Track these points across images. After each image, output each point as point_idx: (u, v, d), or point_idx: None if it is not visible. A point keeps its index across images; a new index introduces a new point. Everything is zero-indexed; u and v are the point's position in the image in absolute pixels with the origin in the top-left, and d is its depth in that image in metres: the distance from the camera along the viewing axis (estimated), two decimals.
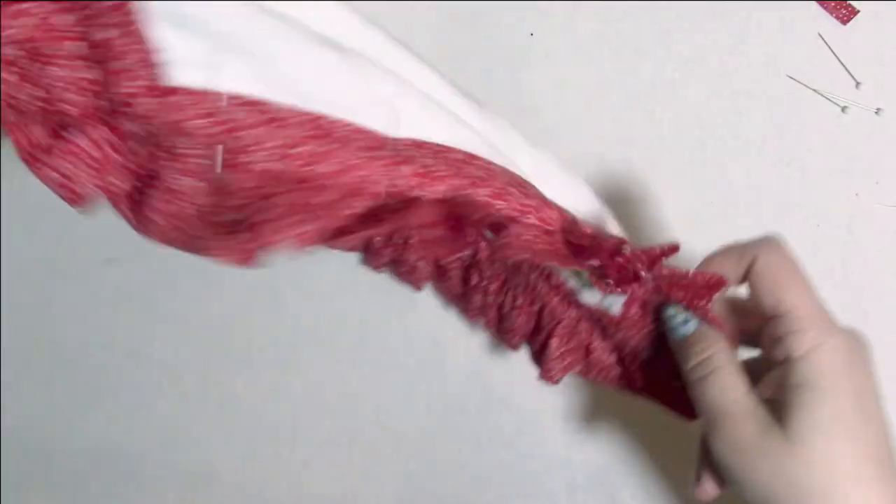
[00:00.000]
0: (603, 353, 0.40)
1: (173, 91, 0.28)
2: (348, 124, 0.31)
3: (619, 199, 0.50)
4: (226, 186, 0.29)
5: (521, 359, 0.49)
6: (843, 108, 0.50)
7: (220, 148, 0.29)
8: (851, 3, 0.50)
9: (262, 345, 0.50)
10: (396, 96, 0.32)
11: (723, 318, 0.38)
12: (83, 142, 0.29)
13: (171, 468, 0.50)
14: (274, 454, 0.49)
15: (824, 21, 0.50)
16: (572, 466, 0.49)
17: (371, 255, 0.38)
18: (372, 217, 0.31)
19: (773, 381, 0.35)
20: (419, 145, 0.33)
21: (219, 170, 0.29)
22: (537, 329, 0.40)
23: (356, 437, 0.49)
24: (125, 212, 0.30)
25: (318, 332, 0.50)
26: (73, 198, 0.29)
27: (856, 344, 0.35)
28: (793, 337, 0.35)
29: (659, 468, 0.49)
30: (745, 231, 0.49)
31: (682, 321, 0.37)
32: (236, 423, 0.50)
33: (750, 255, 0.37)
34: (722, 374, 0.36)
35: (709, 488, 0.38)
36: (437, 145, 0.33)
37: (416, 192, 0.32)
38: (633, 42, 0.50)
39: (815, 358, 0.34)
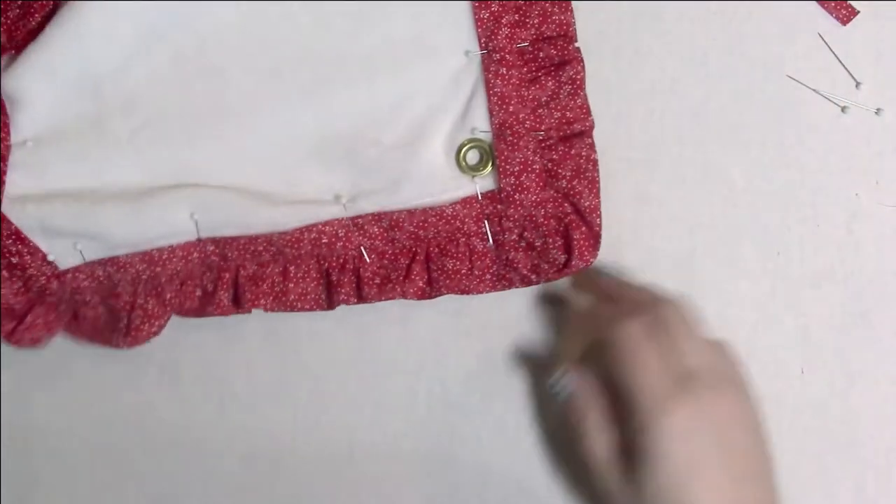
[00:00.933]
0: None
1: (68, 271, 0.48)
2: (166, 247, 0.48)
3: (619, 199, 0.49)
4: (112, 308, 0.48)
5: (521, 360, 0.49)
6: (843, 108, 0.50)
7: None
8: (851, 3, 0.50)
9: (261, 345, 0.50)
10: (193, 213, 0.47)
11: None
12: (34, 320, 0.48)
13: (171, 467, 0.50)
14: (274, 455, 0.49)
15: (824, 21, 0.50)
16: (572, 466, 0.49)
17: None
18: (210, 297, 0.48)
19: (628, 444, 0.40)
20: (219, 241, 0.48)
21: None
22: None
23: (355, 437, 0.49)
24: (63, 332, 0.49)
25: (318, 333, 0.50)
26: (38, 345, 0.48)
27: (703, 413, 0.38)
28: (631, 411, 0.39)
29: None
30: (745, 231, 0.49)
31: (558, 390, 0.43)
32: (236, 423, 0.50)
33: (600, 329, 0.41)
34: (588, 438, 0.41)
35: None
36: (235, 238, 0.48)
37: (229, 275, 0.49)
38: (633, 42, 0.50)
39: (647, 434, 0.38)
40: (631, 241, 0.49)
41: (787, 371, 0.49)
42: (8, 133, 0.47)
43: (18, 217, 0.47)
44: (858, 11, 0.49)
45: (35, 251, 0.47)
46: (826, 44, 0.50)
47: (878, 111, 0.49)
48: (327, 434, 0.49)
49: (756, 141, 0.50)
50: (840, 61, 0.50)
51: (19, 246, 0.47)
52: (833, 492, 0.48)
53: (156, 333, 0.48)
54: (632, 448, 0.39)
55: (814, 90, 0.50)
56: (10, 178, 0.47)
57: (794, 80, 0.50)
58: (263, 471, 0.49)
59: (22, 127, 0.47)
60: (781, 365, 0.49)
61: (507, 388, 0.49)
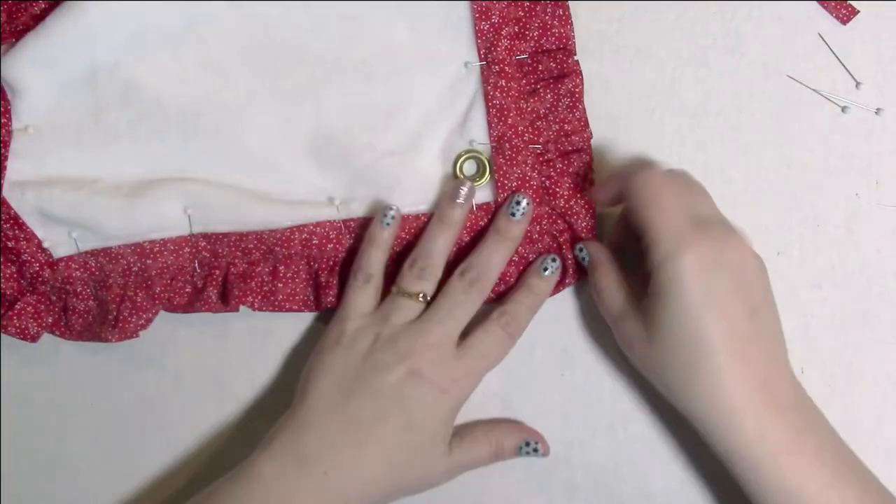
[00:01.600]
0: None
1: (62, 259, 0.48)
2: (158, 240, 0.48)
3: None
4: (102, 301, 0.48)
5: (520, 359, 0.49)
6: (843, 108, 0.50)
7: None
8: (851, 3, 0.50)
9: (261, 345, 0.50)
10: (186, 208, 0.47)
11: (617, 236, 0.47)
12: (24, 307, 0.48)
13: (171, 467, 0.50)
14: None
15: (824, 21, 0.50)
16: (572, 466, 0.49)
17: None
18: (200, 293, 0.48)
19: (647, 284, 0.42)
20: (211, 237, 0.48)
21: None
22: None
23: None
24: (54, 331, 0.48)
25: (319, 333, 0.50)
26: (28, 338, 0.48)
27: (719, 252, 0.40)
28: (650, 249, 0.41)
29: (659, 467, 0.49)
30: (745, 231, 0.49)
31: (583, 258, 0.46)
32: (236, 423, 0.50)
33: (624, 180, 0.44)
34: (601, 287, 0.45)
35: None
36: (226, 234, 0.48)
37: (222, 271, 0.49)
38: (633, 42, 0.50)
39: (665, 268, 0.40)
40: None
41: None
42: (9, 119, 0.47)
43: (17, 203, 0.47)
44: (858, 11, 0.49)
45: (31, 237, 0.47)
46: (826, 44, 0.50)
47: (878, 111, 0.49)
48: None
49: (756, 141, 0.50)
50: (840, 61, 0.50)
51: (16, 231, 0.47)
52: None
53: (144, 326, 0.48)
54: (650, 287, 0.41)
55: (814, 90, 0.50)
56: (11, 165, 0.47)
57: (794, 80, 0.50)
58: None
59: (22, 114, 0.48)
60: None
61: (507, 387, 0.49)
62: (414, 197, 0.48)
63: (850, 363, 0.49)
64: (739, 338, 0.40)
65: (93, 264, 0.48)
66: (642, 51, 0.50)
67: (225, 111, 0.48)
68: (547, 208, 0.48)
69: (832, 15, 0.50)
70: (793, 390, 0.42)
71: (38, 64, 0.47)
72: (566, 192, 0.47)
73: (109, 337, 0.47)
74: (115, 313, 0.47)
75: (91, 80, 0.48)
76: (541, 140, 0.48)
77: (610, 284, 0.45)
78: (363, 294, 0.46)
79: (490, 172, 0.48)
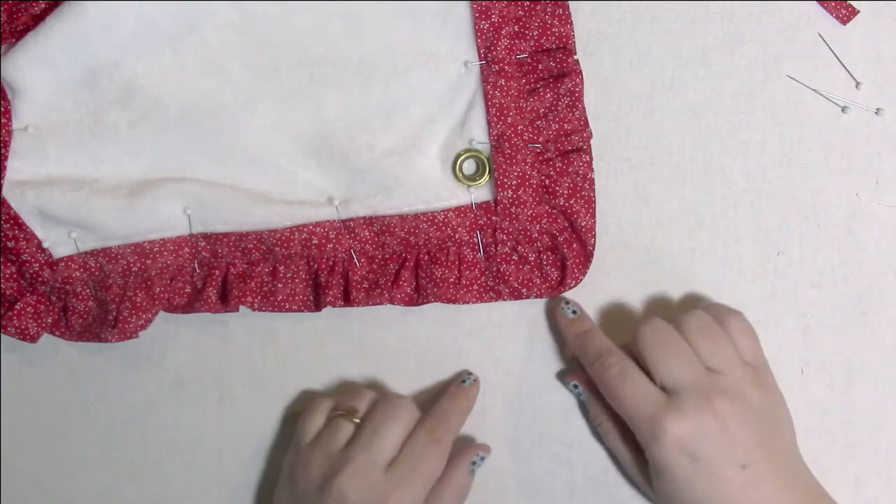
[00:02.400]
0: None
1: (61, 259, 0.48)
2: (157, 240, 0.48)
3: (619, 199, 0.49)
4: (102, 301, 0.48)
5: (520, 359, 0.49)
6: (843, 108, 0.49)
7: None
8: (851, 3, 0.50)
9: (261, 345, 0.50)
10: (186, 208, 0.48)
11: None
12: (24, 307, 0.48)
13: (171, 467, 0.50)
14: (273, 455, 0.49)
15: (824, 21, 0.50)
16: (572, 466, 0.49)
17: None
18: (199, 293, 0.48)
19: None
20: (210, 237, 0.48)
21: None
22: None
23: None
24: (54, 331, 0.49)
25: (319, 333, 0.50)
26: (28, 339, 0.48)
27: (695, 425, 0.41)
28: (635, 432, 0.43)
29: None
30: (745, 231, 0.49)
31: (579, 393, 0.48)
32: (236, 423, 0.50)
33: (592, 376, 0.45)
34: (610, 436, 0.47)
35: None
36: (226, 234, 0.48)
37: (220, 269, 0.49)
38: (633, 42, 0.50)
39: (650, 452, 0.43)
40: (631, 241, 0.49)
41: (787, 371, 0.49)
42: (9, 119, 0.47)
43: (18, 203, 0.47)
44: (858, 11, 0.49)
45: (31, 237, 0.47)
46: (826, 44, 0.50)
47: (878, 111, 0.49)
48: None
49: (756, 141, 0.50)
50: (840, 61, 0.50)
51: (16, 231, 0.47)
52: (833, 492, 0.48)
53: (143, 327, 0.48)
54: (648, 459, 0.44)
55: (814, 90, 0.50)
56: (11, 164, 0.48)
57: (794, 80, 0.50)
58: (263, 471, 0.49)
59: (22, 113, 0.48)
60: (781, 365, 0.49)
61: (507, 387, 0.49)
62: (414, 196, 0.48)
63: (850, 363, 0.49)
64: (736, 490, 0.42)
65: (92, 264, 0.48)
66: (642, 51, 0.50)
67: (225, 111, 0.48)
68: (547, 207, 0.48)
69: (832, 15, 0.50)
70: (807, 497, 0.43)
71: (38, 64, 0.47)
72: (566, 191, 0.47)
73: (109, 337, 0.47)
74: (114, 314, 0.47)
75: (91, 80, 0.48)
76: (540, 139, 0.48)
77: (614, 432, 0.46)
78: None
79: (490, 171, 0.48)
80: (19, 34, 0.47)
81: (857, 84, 0.50)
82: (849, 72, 0.50)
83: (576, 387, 0.47)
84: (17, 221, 0.47)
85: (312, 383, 0.49)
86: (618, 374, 0.43)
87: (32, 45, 0.46)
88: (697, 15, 0.50)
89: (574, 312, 0.47)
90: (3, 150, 0.47)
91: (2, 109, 0.47)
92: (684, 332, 0.44)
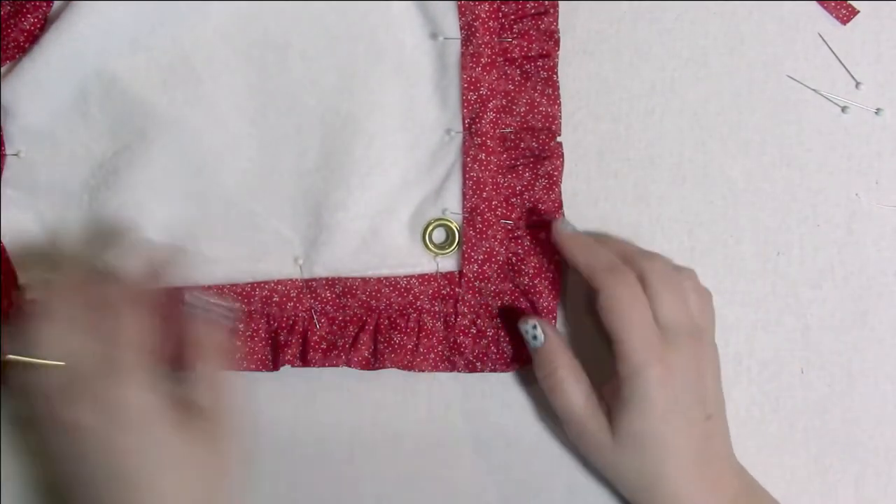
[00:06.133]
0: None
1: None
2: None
3: (619, 199, 0.49)
4: None
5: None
6: (843, 108, 0.50)
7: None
8: (851, 3, 0.50)
9: None
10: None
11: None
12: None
13: None
14: (274, 455, 0.49)
15: (824, 21, 0.50)
16: (572, 466, 0.49)
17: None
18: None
19: (613, 389, 0.43)
20: (171, 291, 0.46)
21: None
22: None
23: (356, 437, 0.49)
24: None
25: None
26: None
27: (683, 363, 0.43)
28: (620, 360, 0.43)
29: None
30: (745, 231, 0.49)
31: (533, 336, 0.45)
32: (236, 423, 0.50)
33: (594, 280, 0.44)
34: (564, 385, 0.44)
35: None
36: (188, 288, 0.46)
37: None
38: (633, 42, 0.50)
39: (634, 381, 0.42)
40: (631, 241, 0.49)
41: (787, 371, 0.49)
42: (2, 144, 0.47)
43: (9, 233, 0.47)
44: (858, 11, 0.49)
45: (10, 274, 0.47)
46: (826, 44, 0.50)
47: (878, 111, 0.49)
48: (327, 434, 0.49)
49: (756, 141, 0.50)
50: (840, 61, 0.50)
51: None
52: (833, 492, 0.48)
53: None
54: (616, 393, 0.43)
55: (814, 90, 0.50)
56: (4, 192, 0.47)
57: (794, 80, 0.50)
58: (263, 471, 0.49)
59: (15, 138, 0.47)
60: (781, 365, 0.49)
61: (507, 388, 0.49)
62: (380, 261, 0.48)
63: (850, 363, 0.49)
64: (697, 440, 0.43)
65: None
66: (642, 51, 0.50)
67: (210, 150, 0.48)
68: (510, 285, 0.48)
69: (832, 15, 0.50)
70: (737, 479, 0.45)
71: (32, 88, 0.46)
72: (531, 270, 0.47)
73: None
74: None
75: (83, 108, 0.47)
76: (513, 216, 0.48)
77: (572, 378, 0.44)
78: None
79: (458, 243, 0.48)
80: (11, 50, 0.47)
81: (857, 84, 0.50)
82: (849, 72, 0.50)
83: (535, 327, 0.45)
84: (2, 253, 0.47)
85: (312, 383, 0.49)
86: (630, 294, 0.43)
87: (29, 68, 0.46)
88: (697, 15, 0.50)
89: (574, 228, 0.46)
90: None
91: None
92: (674, 279, 0.44)
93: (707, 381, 0.44)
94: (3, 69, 0.47)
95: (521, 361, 0.47)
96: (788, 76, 0.50)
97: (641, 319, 0.43)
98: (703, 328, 0.44)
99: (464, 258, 0.48)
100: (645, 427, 0.42)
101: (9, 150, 0.47)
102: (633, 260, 0.44)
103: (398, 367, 0.47)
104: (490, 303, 0.48)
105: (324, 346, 0.47)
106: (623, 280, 0.43)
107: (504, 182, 0.48)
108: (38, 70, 0.46)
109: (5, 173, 0.47)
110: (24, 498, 0.50)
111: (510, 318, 0.48)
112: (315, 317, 0.48)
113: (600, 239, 0.47)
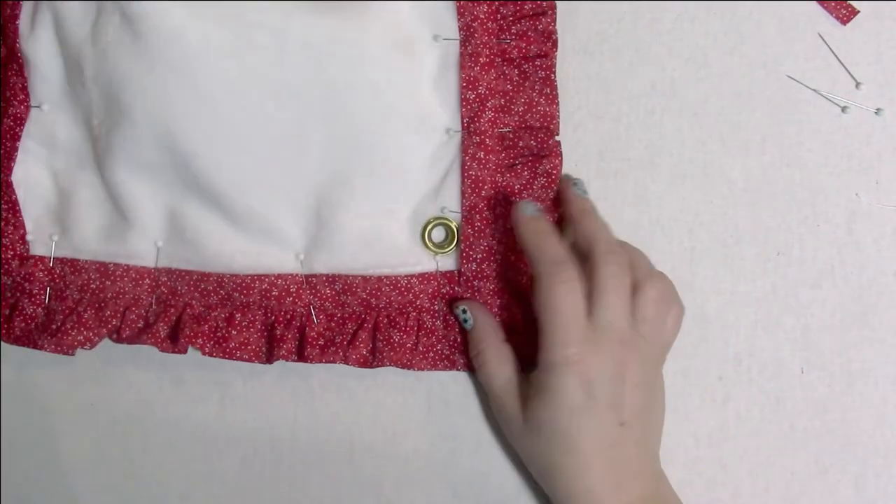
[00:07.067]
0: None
1: (33, 257, 0.49)
2: (122, 265, 0.48)
3: (619, 199, 0.49)
4: (52, 310, 0.48)
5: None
6: (843, 108, 0.50)
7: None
8: (851, 3, 0.50)
9: None
10: (157, 240, 0.48)
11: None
12: None
13: (171, 467, 0.50)
14: (274, 455, 0.49)
15: (824, 21, 0.50)
16: None
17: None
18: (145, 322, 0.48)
19: (535, 377, 0.44)
20: (173, 273, 0.48)
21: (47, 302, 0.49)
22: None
23: (356, 437, 0.49)
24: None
25: None
26: None
27: (604, 366, 0.43)
28: (541, 351, 0.43)
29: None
30: (745, 231, 0.49)
31: (464, 319, 0.47)
32: (236, 423, 0.50)
33: (535, 260, 0.44)
34: (488, 366, 0.46)
35: None
36: (188, 272, 0.48)
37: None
38: (633, 42, 0.50)
39: (552, 373, 0.43)
40: (631, 241, 0.49)
41: (787, 371, 0.49)
42: (27, 95, 0.48)
43: (22, 184, 0.48)
44: (858, 11, 0.49)
45: (20, 225, 0.48)
46: (826, 44, 0.50)
47: (878, 111, 0.49)
48: (327, 434, 0.49)
49: (756, 141, 0.50)
50: (840, 61, 0.50)
51: (9, 214, 0.48)
52: (833, 492, 0.48)
53: (83, 344, 0.47)
54: (534, 379, 0.44)
55: (814, 90, 0.50)
56: (24, 145, 0.48)
57: (794, 80, 0.50)
58: (263, 471, 0.49)
59: (39, 91, 0.48)
60: (781, 365, 0.49)
61: None
62: (380, 260, 0.48)
63: (850, 363, 0.49)
64: (606, 443, 0.43)
65: (57, 271, 0.48)
66: (642, 51, 0.50)
67: (211, 146, 0.47)
68: (508, 283, 0.48)
69: (832, 15, 0.50)
70: (646, 487, 0.44)
71: (53, 42, 0.47)
72: (530, 270, 0.47)
73: (45, 345, 0.47)
74: (58, 324, 0.47)
75: (80, 77, 0.47)
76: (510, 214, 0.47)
77: (495, 359, 0.46)
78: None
79: (457, 242, 0.48)
80: None
81: (857, 84, 0.50)
82: (849, 72, 0.50)
83: (464, 311, 0.47)
84: (14, 206, 0.48)
85: (313, 382, 0.49)
86: (565, 290, 0.43)
87: (50, 20, 0.47)
88: (697, 15, 0.50)
89: (537, 211, 0.46)
90: (18, 129, 0.47)
91: (19, 86, 0.47)
92: (624, 284, 0.44)
93: (626, 389, 0.43)
94: (23, 21, 0.47)
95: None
96: (788, 76, 0.50)
97: (570, 316, 0.43)
98: (644, 337, 0.44)
99: (462, 257, 0.48)
100: (551, 419, 0.43)
101: (33, 102, 0.48)
102: (594, 256, 0.44)
103: (397, 366, 0.47)
104: (489, 301, 0.48)
105: (321, 342, 0.47)
106: (562, 275, 0.43)
107: (503, 181, 0.48)
108: (59, 23, 0.47)
109: (28, 126, 0.48)
110: (24, 498, 0.50)
111: (508, 317, 0.48)
112: (314, 312, 0.48)
113: (589, 220, 0.46)
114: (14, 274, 0.48)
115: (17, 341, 0.48)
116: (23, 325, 0.48)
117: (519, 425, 0.45)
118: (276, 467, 0.49)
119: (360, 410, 0.49)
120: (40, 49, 0.47)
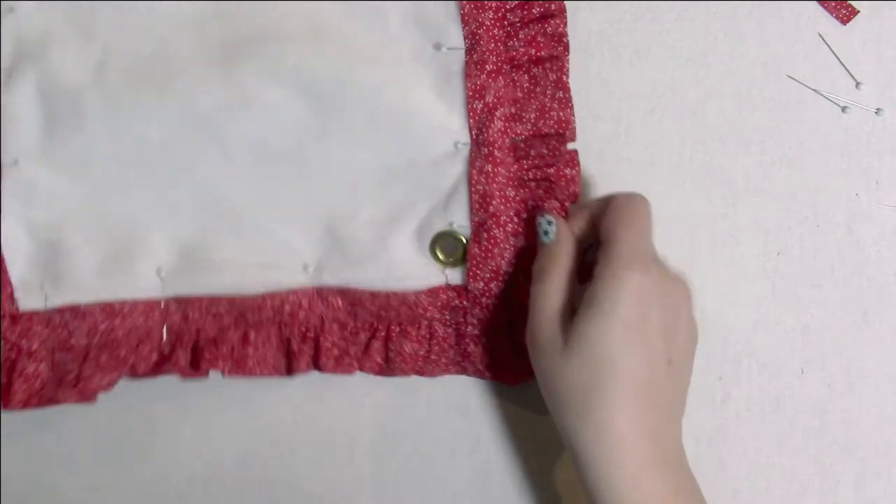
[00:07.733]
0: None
1: (25, 314, 0.46)
2: (129, 301, 0.47)
3: None
4: (59, 362, 0.47)
5: None
6: (843, 108, 0.50)
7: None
8: (851, 3, 0.50)
9: None
10: (160, 270, 0.47)
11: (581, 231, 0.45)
12: None
13: (171, 467, 0.50)
14: (274, 455, 0.49)
15: (824, 21, 0.50)
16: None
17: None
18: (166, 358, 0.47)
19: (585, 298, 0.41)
20: (182, 301, 0.47)
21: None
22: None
23: (355, 437, 0.49)
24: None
25: None
26: None
27: (666, 292, 0.40)
28: (603, 261, 0.41)
29: None
30: (745, 231, 0.49)
31: (545, 231, 0.44)
32: (236, 422, 0.50)
33: (603, 201, 0.44)
34: (546, 281, 0.42)
35: None
36: (198, 298, 0.47)
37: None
38: (633, 42, 0.50)
39: (612, 281, 0.40)
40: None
41: (787, 371, 0.49)
42: None
43: (6, 245, 0.46)
44: (858, 11, 0.49)
45: (6, 284, 0.46)
46: (826, 44, 0.50)
47: (878, 111, 0.49)
48: (327, 434, 0.49)
49: (756, 141, 0.50)
50: (840, 61, 0.50)
51: None
52: (833, 492, 0.48)
53: (105, 388, 0.46)
54: (585, 297, 0.41)
55: (814, 90, 0.50)
56: (3, 202, 0.46)
57: (794, 80, 0.50)
58: (263, 471, 0.49)
59: (13, 146, 0.46)
60: (781, 365, 0.49)
61: (507, 388, 0.49)
62: (387, 272, 0.47)
63: (850, 363, 0.49)
64: (650, 377, 0.40)
65: (57, 321, 0.47)
66: (642, 51, 0.50)
67: (212, 162, 0.47)
68: (517, 301, 0.46)
69: (832, 15, 0.50)
70: (678, 451, 0.41)
71: (28, 92, 0.46)
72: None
73: (67, 397, 0.45)
74: (76, 373, 0.46)
75: (77, 115, 0.46)
76: (522, 230, 0.46)
77: (557, 281, 0.43)
78: None
79: (464, 258, 0.47)
80: None
81: (857, 84, 0.50)
82: (849, 72, 0.50)
83: (549, 223, 0.44)
84: None
85: (313, 382, 0.49)
86: (645, 205, 0.43)
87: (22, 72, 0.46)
88: (697, 15, 0.50)
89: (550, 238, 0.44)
90: None
91: None
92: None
93: (680, 325, 0.41)
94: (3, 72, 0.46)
95: (528, 377, 0.46)
96: (788, 76, 0.50)
97: (644, 227, 0.41)
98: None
99: (469, 275, 0.46)
100: (602, 335, 0.39)
101: (6, 160, 0.46)
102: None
103: (411, 374, 0.47)
104: (496, 317, 0.47)
105: (336, 353, 0.47)
106: (638, 195, 0.43)
107: (515, 195, 0.46)
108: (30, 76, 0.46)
109: (4, 182, 0.46)
110: (24, 498, 0.50)
111: (516, 334, 0.47)
112: (327, 324, 0.47)
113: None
114: (9, 334, 0.46)
115: (24, 405, 0.46)
116: (25, 386, 0.46)
117: (559, 347, 0.40)
118: (276, 467, 0.49)
119: (360, 410, 0.49)
120: (19, 101, 0.46)
